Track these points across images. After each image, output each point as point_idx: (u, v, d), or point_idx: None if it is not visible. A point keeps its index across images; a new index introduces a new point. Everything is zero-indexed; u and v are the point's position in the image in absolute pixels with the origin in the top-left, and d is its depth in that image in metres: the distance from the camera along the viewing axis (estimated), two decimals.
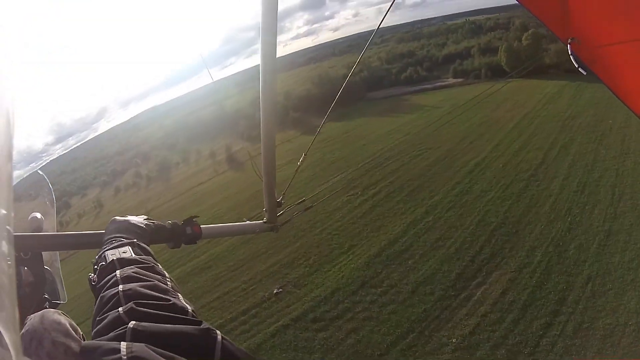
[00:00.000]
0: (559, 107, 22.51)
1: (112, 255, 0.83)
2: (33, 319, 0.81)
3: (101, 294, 0.69)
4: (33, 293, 1.32)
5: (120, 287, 0.68)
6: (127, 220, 1.05)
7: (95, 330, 0.63)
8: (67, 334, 0.81)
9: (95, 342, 0.57)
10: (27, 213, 1.59)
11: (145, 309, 0.62)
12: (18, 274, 1.27)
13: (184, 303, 0.69)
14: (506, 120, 22.06)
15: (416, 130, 23.97)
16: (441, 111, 27.21)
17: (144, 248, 0.91)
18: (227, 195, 21.42)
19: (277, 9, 1.28)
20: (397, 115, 31.56)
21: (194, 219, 1.34)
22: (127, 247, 0.88)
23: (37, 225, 1.55)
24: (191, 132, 41.49)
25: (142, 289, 0.68)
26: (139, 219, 1.08)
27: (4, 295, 0.35)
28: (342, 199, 15.45)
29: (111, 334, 0.57)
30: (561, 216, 11.48)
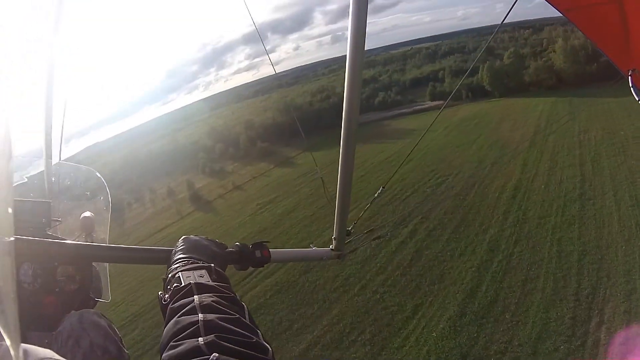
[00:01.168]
0: (563, 122, 26.50)
1: (188, 277, 0.95)
2: (72, 317, 0.99)
3: (177, 319, 0.79)
4: (77, 290, 1.53)
5: (201, 315, 0.77)
6: (200, 241, 1.20)
7: (168, 354, 0.71)
8: (106, 336, 0.98)
9: None
10: (81, 212, 1.96)
11: (228, 344, 0.70)
12: (64, 270, 1.53)
13: (264, 342, 0.77)
14: (518, 140, 24.91)
15: (419, 155, 25.57)
16: (436, 134, 29.96)
17: (222, 274, 1.03)
18: None
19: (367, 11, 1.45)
20: (387, 141, 33.82)
21: (264, 243, 1.55)
22: (204, 271, 1.00)
23: (89, 224, 1.99)
24: (142, 169, 41.45)
25: (223, 322, 0.77)
26: (209, 241, 1.23)
27: (4, 298, 0.41)
28: (371, 243, 14.96)
29: None
30: (636, 233, 12.71)
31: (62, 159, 2.82)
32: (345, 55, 1.54)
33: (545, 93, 38.45)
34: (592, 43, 2.08)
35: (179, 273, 0.99)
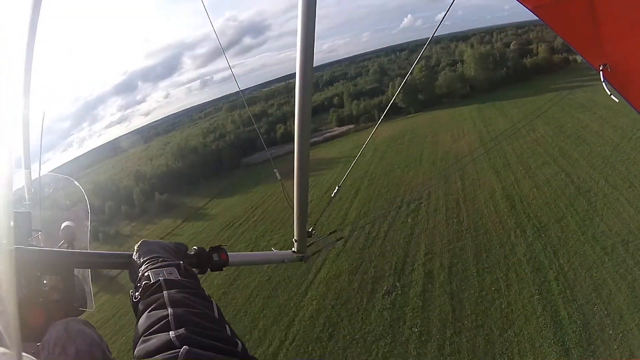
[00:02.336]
0: (519, 127, 30.94)
1: (157, 274, 1.15)
2: (57, 326, 1.15)
3: (148, 313, 0.95)
4: (61, 300, 1.83)
5: (170, 310, 0.94)
6: (159, 243, 1.46)
7: (140, 347, 0.85)
8: (91, 343, 1.14)
9: None
10: (61, 221, 2.49)
11: (198, 337, 0.85)
12: (47, 280, 1.83)
13: (233, 336, 0.94)
14: (467, 149, 27.94)
15: (368, 184, 26.45)
16: (368, 158, 32.21)
17: (190, 271, 1.24)
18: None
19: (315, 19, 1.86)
20: (318, 174, 34.05)
21: (222, 247, 1.86)
22: (172, 268, 1.20)
23: (70, 234, 2.47)
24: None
25: (192, 316, 0.93)
26: (168, 243, 1.50)
27: (4, 302, 0.48)
28: (384, 300, 14.11)
29: (160, 356, 0.79)
30: None
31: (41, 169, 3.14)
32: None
33: (461, 102, 45.52)
34: (564, 40, 2.44)
35: (148, 271, 1.18)
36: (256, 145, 58.07)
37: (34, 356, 1.14)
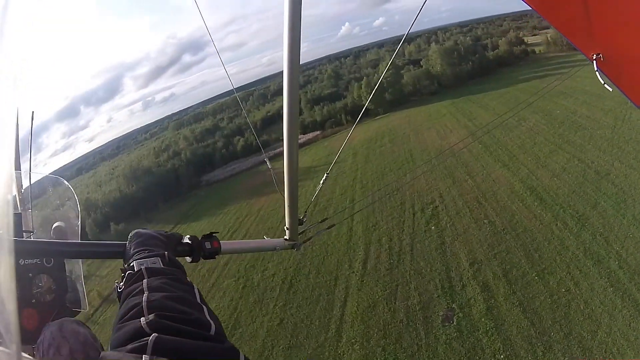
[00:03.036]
0: (506, 118, 31.15)
1: (140, 264, 1.22)
2: (51, 326, 1.16)
3: (125, 301, 1.01)
4: (54, 301, 1.98)
5: (145, 295, 0.99)
6: (150, 233, 1.56)
7: (114, 337, 0.89)
8: (85, 343, 1.14)
9: (115, 352, 0.83)
10: (52, 221, 2.61)
11: (168, 322, 0.88)
12: (39, 281, 1.97)
13: (209, 318, 0.99)
14: (460, 144, 27.57)
15: (361, 191, 25.89)
16: (349, 163, 32.28)
17: (174, 261, 1.32)
18: None
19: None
20: (299, 185, 32.78)
21: (214, 234, 2.00)
22: (156, 258, 1.28)
23: (61, 234, 2.58)
24: None
25: (166, 300, 0.98)
26: (160, 232, 1.61)
27: (4, 300, 0.51)
28: (446, 329, 12.67)
29: (131, 345, 0.81)
30: None
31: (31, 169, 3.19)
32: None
33: (431, 99, 46.07)
34: (556, 30, 2.50)
35: (133, 262, 1.25)
36: (215, 161, 57.55)
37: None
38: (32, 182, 3.09)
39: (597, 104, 25.54)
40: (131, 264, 1.26)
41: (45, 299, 1.95)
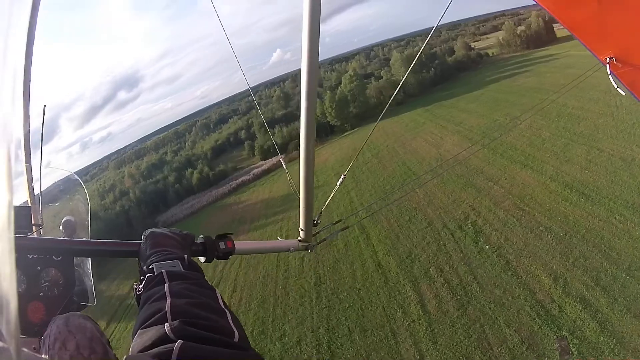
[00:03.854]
0: (495, 119, 31.12)
1: (160, 267, 1.23)
2: (58, 320, 1.21)
3: (147, 304, 1.02)
4: (61, 294, 2.08)
5: (168, 300, 1.00)
6: (165, 233, 1.58)
7: (137, 341, 0.90)
8: (92, 338, 1.20)
9: (139, 356, 0.85)
10: (62, 215, 2.76)
11: (193, 328, 0.89)
12: (47, 274, 2.07)
13: (232, 325, 1.00)
14: (463, 151, 27.09)
15: (370, 216, 23.67)
16: (346, 185, 29.66)
17: (193, 264, 1.33)
18: None
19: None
20: (282, 217, 31.13)
21: (228, 235, 2.02)
22: (176, 261, 1.28)
23: (71, 228, 2.73)
24: None
25: (190, 307, 0.98)
26: (175, 232, 1.63)
27: (4, 296, 0.52)
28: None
29: (156, 350, 0.83)
30: None
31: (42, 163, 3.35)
32: None
33: (400, 109, 46.02)
34: (570, 32, 2.51)
35: (153, 264, 1.26)
36: (169, 198, 53.79)
37: (34, 351, 1.33)
38: (43, 177, 3.22)
39: (583, 95, 26.26)
40: (150, 266, 1.26)
41: (52, 292, 2.01)
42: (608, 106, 24.03)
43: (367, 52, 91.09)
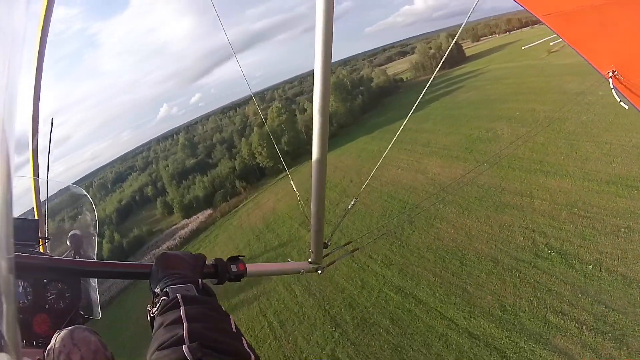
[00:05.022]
0: (476, 136, 30.15)
1: (174, 291, 1.25)
2: (63, 333, 1.26)
3: (163, 328, 1.06)
4: (67, 307, 2.13)
5: (186, 324, 1.03)
6: (178, 255, 1.59)
7: None
8: (96, 352, 1.26)
9: None
10: (68, 229, 2.90)
11: (211, 350, 0.94)
12: (53, 287, 2.15)
13: (247, 349, 1.04)
14: (459, 173, 25.65)
15: (402, 261, 20.20)
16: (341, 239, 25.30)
17: (207, 288, 1.35)
18: None
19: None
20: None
21: (239, 257, 2.05)
22: (190, 285, 1.30)
23: (77, 242, 2.87)
24: None
25: (207, 331, 1.03)
26: (187, 254, 1.63)
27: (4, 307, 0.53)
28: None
29: None
30: None
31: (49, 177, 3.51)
32: None
33: (335, 142, 43.94)
34: (570, 46, 2.60)
35: (167, 288, 1.29)
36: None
37: None
38: (51, 190, 3.41)
39: (544, 99, 27.40)
40: (164, 289, 1.29)
41: (58, 305, 2.07)
42: (582, 106, 25.11)
43: (261, 95, 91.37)
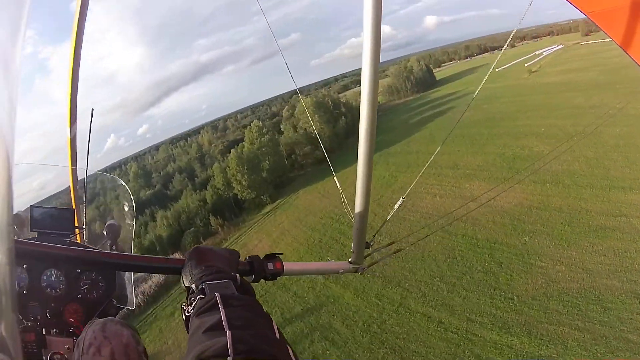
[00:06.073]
0: (505, 151, 28.98)
1: (212, 288, 1.18)
2: (95, 325, 1.21)
3: (204, 333, 0.98)
4: (101, 298, 2.03)
5: (229, 333, 0.95)
6: (212, 249, 1.50)
7: None
8: (127, 345, 1.23)
9: None
10: (105, 219, 2.73)
11: None
12: (87, 277, 2.10)
13: (293, 357, 1.01)
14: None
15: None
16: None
17: (246, 285, 1.30)
18: None
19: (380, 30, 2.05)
20: None
21: (277, 255, 1.93)
22: (228, 281, 1.23)
23: (114, 232, 2.63)
24: None
25: (252, 339, 0.96)
26: (221, 249, 1.54)
27: (4, 302, 0.57)
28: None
29: None
30: None
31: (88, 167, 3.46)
32: None
33: (326, 169, 40.31)
34: (619, 46, 2.54)
35: (203, 284, 1.21)
36: None
37: (67, 352, 1.52)
38: (89, 180, 3.37)
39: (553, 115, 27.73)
40: (200, 286, 1.21)
41: (92, 295, 2.11)
42: (605, 119, 25.67)
43: (214, 125, 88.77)
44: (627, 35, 2.42)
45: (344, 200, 3.31)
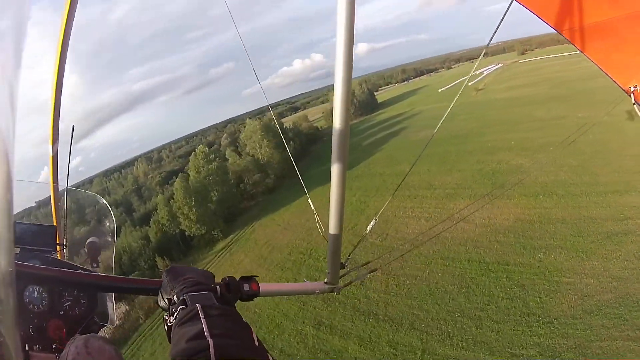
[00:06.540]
0: (480, 167, 27.77)
1: (193, 299, 1.24)
2: (77, 341, 1.27)
3: (187, 343, 1.02)
4: (83, 314, 2.07)
5: (210, 340, 1.00)
6: (189, 267, 1.59)
7: None
8: None
9: None
10: (86, 237, 2.70)
11: None
12: (70, 294, 2.06)
13: None
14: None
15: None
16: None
17: (226, 296, 1.49)
18: None
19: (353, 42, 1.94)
20: None
21: (253, 277, 1.95)
22: (208, 293, 1.30)
23: (95, 250, 2.66)
24: None
25: (233, 348, 1.01)
26: (196, 268, 1.61)
27: (5, 313, 0.59)
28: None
29: None
30: None
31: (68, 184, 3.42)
32: None
33: (278, 197, 37.26)
34: (593, 62, 2.71)
35: (184, 295, 1.27)
36: None
37: None
38: (70, 198, 3.35)
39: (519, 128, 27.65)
40: (181, 297, 1.25)
41: (74, 311, 2.03)
42: (576, 129, 25.86)
43: (148, 156, 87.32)
44: (600, 52, 2.57)
45: (318, 222, 3.19)
